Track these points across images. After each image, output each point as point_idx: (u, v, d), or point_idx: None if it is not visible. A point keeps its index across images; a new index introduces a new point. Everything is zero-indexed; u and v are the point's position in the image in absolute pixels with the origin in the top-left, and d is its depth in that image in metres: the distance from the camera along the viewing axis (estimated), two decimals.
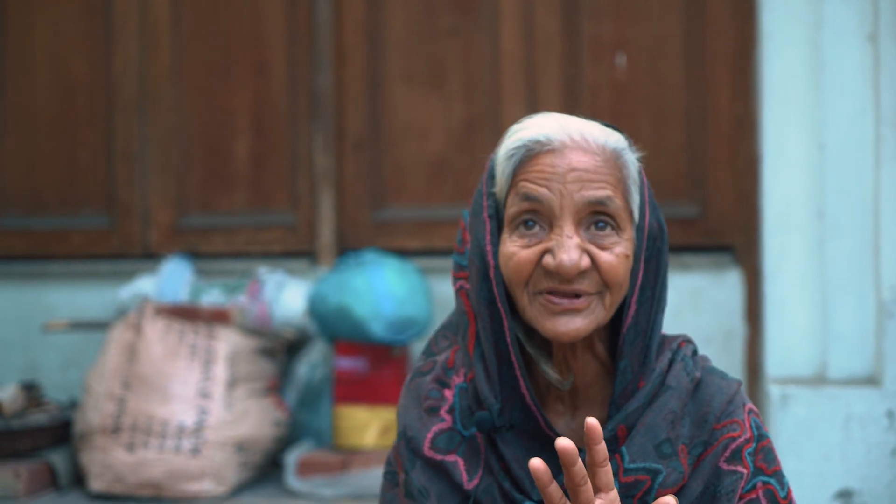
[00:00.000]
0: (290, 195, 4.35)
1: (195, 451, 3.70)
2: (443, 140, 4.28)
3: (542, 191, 1.50)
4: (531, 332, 1.56)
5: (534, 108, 4.12)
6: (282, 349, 4.09)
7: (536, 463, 1.34)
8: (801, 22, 3.69)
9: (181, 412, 3.74)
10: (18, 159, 4.51)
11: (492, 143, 1.67)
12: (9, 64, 4.50)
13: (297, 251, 4.34)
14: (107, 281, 4.34)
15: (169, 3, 4.41)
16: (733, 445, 1.54)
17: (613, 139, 1.54)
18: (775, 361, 3.69)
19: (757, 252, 3.91)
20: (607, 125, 1.57)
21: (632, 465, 1.50)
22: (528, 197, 1.50)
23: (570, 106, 4.12)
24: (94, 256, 4.44)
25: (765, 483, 1.55)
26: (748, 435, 1.55)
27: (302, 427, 4.03)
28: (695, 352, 1.61)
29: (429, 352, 1.73)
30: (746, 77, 4.03)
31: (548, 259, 1.49)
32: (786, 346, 3.68)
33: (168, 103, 4.41)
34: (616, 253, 1.50)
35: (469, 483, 1.56)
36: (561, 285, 1.49)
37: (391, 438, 3.76)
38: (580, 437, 1.56)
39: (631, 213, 1.53)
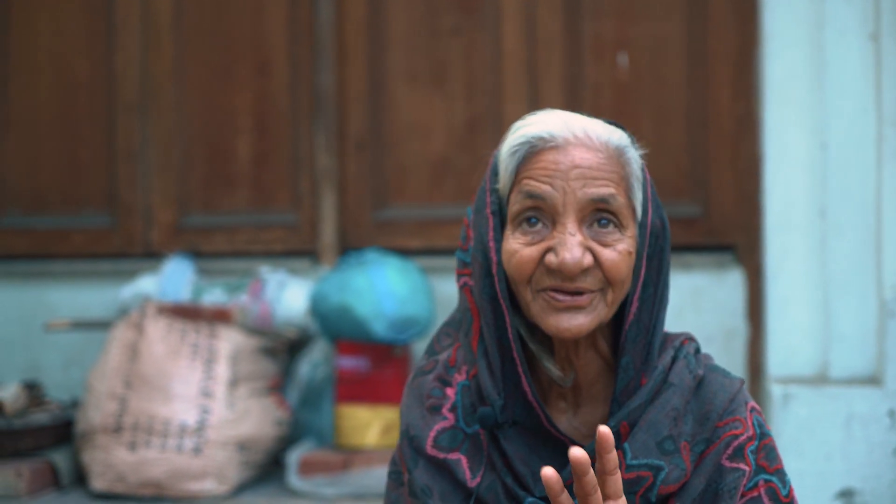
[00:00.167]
0: (291, 194, 4.35)
1: (197, 450, 3.70)
2: (445, 140, 4.29)
3: (546, 188, 1.50)
4: (534, 328, 1.56)
5: (536, 107, 4.08)
6: (283, 348, 4.09)
7: (549, 472, 1.35)
8: (803, 21, 3.69)
9: (183, 411, 3.74)
10: (20, 158, 4.51)
11: (494, 142, 1.67)
12: (11, 63, 4.50)
13: (298, 250, 4.34)
14: (108, 280, 4.34)
15: (170, 2, 4.41)
16: (735, 443, 1.54)
17: (616, 136, 1.54)
18: (777, 361, 3.69)
19: (758, 251, 3.91)
20: (610, 122, 1.57)
21: (634, 462, 1.51)
22: (531, 194, 1.50)
23: (572, 105, 4.12)
24: (96, 256, 4.44)
25: (767, 481, 1.55)
26: (750, 433, 1.55)
27: (303, 426, 4.03)
28: (697, 350, 1.61)
29: (431, 350, 1.73)
30: (748, 76, 4.03)
31: (550, 257, 1.49)
32: (787, 346, 3.68)
33: (170, 103, 4.41)
34: (619, 250, 1.50)
35: (472, 481, 1.56)
36: (564, 283, 1.49)
37: (393, 438, 3.76)
38: (582, 434, 1.57)
39: (634, 210, 1.53)
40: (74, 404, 4.04)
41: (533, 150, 1.52)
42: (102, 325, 4.14)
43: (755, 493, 1.54)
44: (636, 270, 1.53)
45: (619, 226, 1.51)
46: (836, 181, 3.64)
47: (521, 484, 1.54)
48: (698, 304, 4.01)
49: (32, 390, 3.95)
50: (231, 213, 4.40)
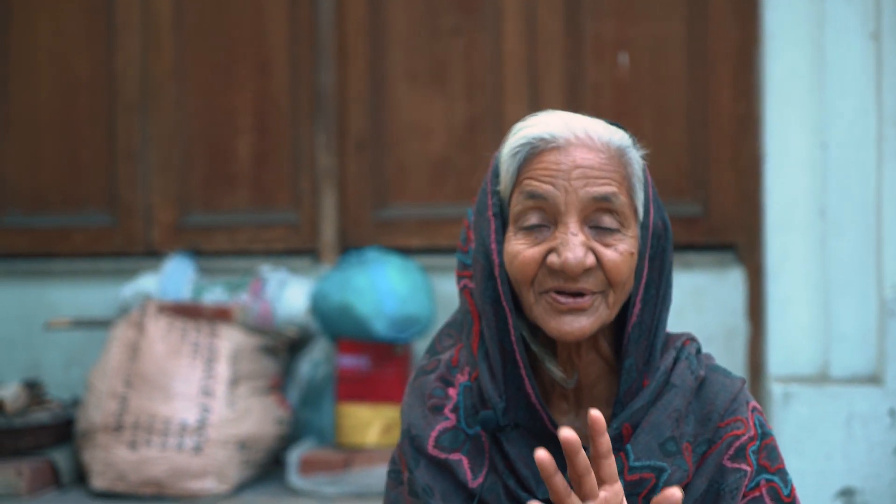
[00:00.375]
0: (292, 194, 4.36)
1: (197, 449, 3.70)
2: (445, 139, 4.29)
3: (547, 188, 1.49)
4: (535, 330, 1.56)
5: (536, 107, 4.09)
6: (284, 347, 4.09)
7: (542, 454, 1.34)
8: (804, 21, 3.69)
9: (183, 410, 3.74)
10: (21, 158, 4.51)
11: (494, 142, 1.67)
12: (12, 63, 4.51)
13: (299, 249, 4.34)
14: (109, 279, 4.34)
15: (171, 2, 4.41)
16: (737, 443, 1.54)
17: (618, 137, 1.53)
18: (777, 360, 3.69)
19: (759, 251, 3.91)
20: (611, 123, 1.56)
21: (637, 463, 1.50)
22: (532, 195, 1.50)
23: (573, 105, 4.12)
24: (97, 255, 4.45)
25: (768, 481, 1.55)
26: (752, 433, 1.55)
27: (304, 425, 4.03)
28: (699, 350, 1.61)
29: (433, 350, 1.73)
30: (749, 76, 4.03)
31: (553, 258, 1.49)
32: (788, 345, 3.68)
33: (170, 102, 4.41)
34: (620, 251, 1.50)
35: (473, 482, 1.56)
36: (566, 284, 1.49)
37: (393, 437, 3.76)
38: (585, 436, 1.56)
39: (636, 210, 1.53)
40: (75, 403, 4.04)
41: (534, 151, 1.52)
42: (103, 324, 4.14)
43: (757, 493, 1.54)
44: (638, 272, 1.53)
45: (621, 226, 1.51)
46: (837, 180, 3.64)
47: (523, 486, 1.54)
48: (699, 303, 4.01)
49: (33, 389, 3.96)
50: (232, 212, 4.40)
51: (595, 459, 1.38)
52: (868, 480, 3.47)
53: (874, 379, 3.57)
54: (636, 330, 1.53)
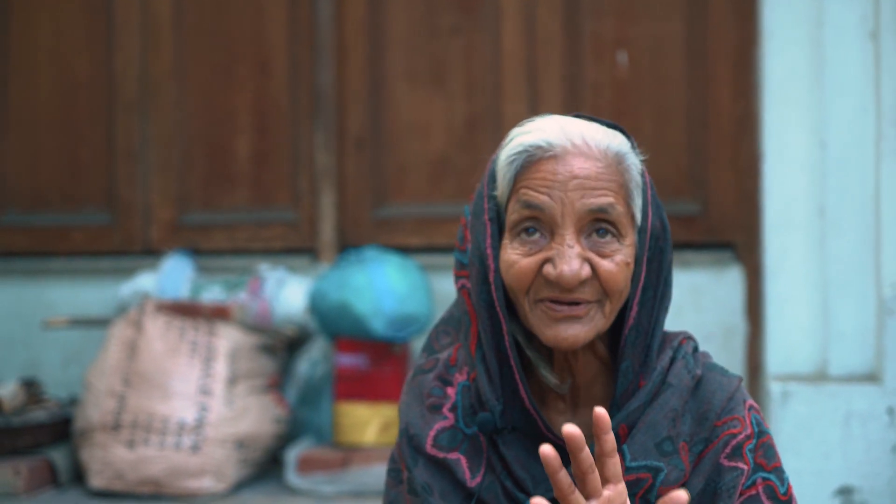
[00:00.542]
0: (291, 192, 4.36)
1: (195, 448, 3.70)
2: (444, 138, 4.29)
3: (544, 198, 1.49)
4: (531, 334, 1.56)
5: (535, 106, 4.12)
6: (282, 346, 4.09)
7: (546, 449, 1.34)
8: (803, 20, 3.69)
9: (181, 409, 3.74)
10: (20, 156, 4.51)
11: (493, 141, 1.67)
12: (11, 62, 4.51)
13: (298, 248, 4.34)
14: (108, 278, 4.34)
15: (170, 1, 4.41)
16: (734, 442, 1.54)
17: (616, 142, 1.52)
18: (776, 359, 3.69)
19: (758, 250, 3.91)
20: (610, 125, 1.56)
21: (633, 464, 1.50)
22: (529, 205, 1.50)
23: (572, 105, 4.13)
24: (95, 253, 4.45)
25: (765, 479, 1.55)
26: (748, 431, 1.55)
27: (302, 424, 4.03)
28: (696, 349, 1.61)
29: (430, 349, 1.72)
30: (748, 75, 4.03)
31: (548, 268, 1.48)
32: (786, 344, 3.68)
33: (169, 101, 4.41)
34: (616, 261, 1.49)
35: (472, 481, 1.56)
36: (562, 294, 1.48)
37: (392, 435, 3.76)
38: (584, 435, 1.56)
39: (633, 217, 1.53)
40: (73, 402, 4.04)
41: (531, 160, 1.51)
42: (101, 323, 4.14)
43: (753, 492, 1.54)
44: (636, 276, 1.52)
45: (618, 235, 1.50)
46: (836, 180, 3.64)
47: (520, 487, 1.54)
48: (698, 302, 4.01)
49: (31, 388, 3.95)
50: (230, 210, 4.40)
51: (599, 458, 1.37)
52: (866, 479, 3.47)
53: (873, 377, 3.57)
54: (633, 332, 1.53)
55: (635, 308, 1.52)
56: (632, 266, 1.51)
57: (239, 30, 4.40)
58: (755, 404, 1.59)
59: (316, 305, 3.88)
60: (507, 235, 1.53)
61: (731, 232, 4.08)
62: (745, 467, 1.53)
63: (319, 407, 4.01)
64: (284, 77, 4.36)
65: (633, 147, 1.55)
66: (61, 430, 3.93)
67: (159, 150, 4.41)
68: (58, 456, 3.85)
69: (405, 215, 4.29)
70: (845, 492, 3.48)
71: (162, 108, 4.41)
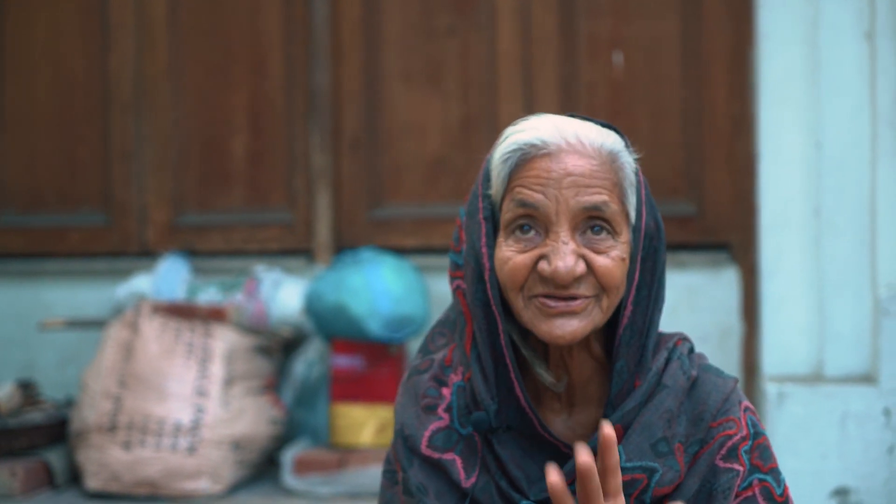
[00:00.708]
0: (287, 193, 4.35)
1: (191, 449, 3.69)
2: (440, 139, 4.29)
3: (538, 196, 1.49)
4: (526, 333, 1.56)
5: (531, 106, 4.12)
6: (278, 347, 4.09)
7: (554, 479, 1.35)
8: (798, 20, 3.69)
9: (178, 410, 3.74)
10: (16, 157, 4.51)
11: (489, 141, 1.67)
12: (7, 62, 4.50)
13: (294, 249, 4.34)
14: (104, 279, 4.34)
15: (165, 1, 4.41)
16: (729, 443, 1.54)
17: (610, 141, 1.53)
18: (772, 359, 3.69)
19: (753, 250, 3.91)
20: (604, 125, 1.56)
21: (628, 464, 1.50)
22: (523, 203, 1.50)
23: (567, 104, 4.13)
24: (92, 254, 4.44)
25: (761, 480, 1.55)
26: (744, 432, 1.55)
27: (298, 425, 4.03)
28: (691, 350, 1.61)
29: (425, 350, 1.72)
30: (743, 75, 4.03)
31: (543, 265, 1.48)
32: (782, 344, 3.68)
33: (165, 102, 4.41)
34: (612, 257, 1.49)
35: (466, 481, 1.56)
36: (556, 290, 1.48)
37: (388, 436, 3.76)
38: (577, 435, 1.56)
39: (627, 215, 1.53)
40: (69, 403, 4.04)
41: (525, 158, 1.51)
42: (97, 324, 4.14)
43: (749, 493, 1.54)
44: (630, 274, 1.52)
45: (612, 232, 1.50)
46: (831, 180, 3.64)
47: (515, 487, 1.54)
48: (693, 302, 4.01)
49: (27, 389, 3.95)
50: (226, 211, 4.40)
51: (602, 474, 1.39)
52: (863, 480, 3.48)
53: (868, 378, 3.57)
54: (627, 332, 1.53)
55: (629, 307, 1.52)
56: (627, 261, 1.51)
57: (234, 30, 4.40)
58: (751, 405, 1.59)
59: (312, 306, 3.88)
60: (501, 234, 1.53)
61: (727, 232, 4.08)
62: (741, 468, 1.53)
63: (315, 408, 4.01)
64: (280, 77, 4.36)
65: (626, 146, 1.55)
66: (57, 431, 3.92)
67: (155, 150, 4.41)
68: (54, 457, 3.85)
69: (401, 216, 4.29)
70: (842, 493, 3.48)
71: (157, 109, 4.41)
